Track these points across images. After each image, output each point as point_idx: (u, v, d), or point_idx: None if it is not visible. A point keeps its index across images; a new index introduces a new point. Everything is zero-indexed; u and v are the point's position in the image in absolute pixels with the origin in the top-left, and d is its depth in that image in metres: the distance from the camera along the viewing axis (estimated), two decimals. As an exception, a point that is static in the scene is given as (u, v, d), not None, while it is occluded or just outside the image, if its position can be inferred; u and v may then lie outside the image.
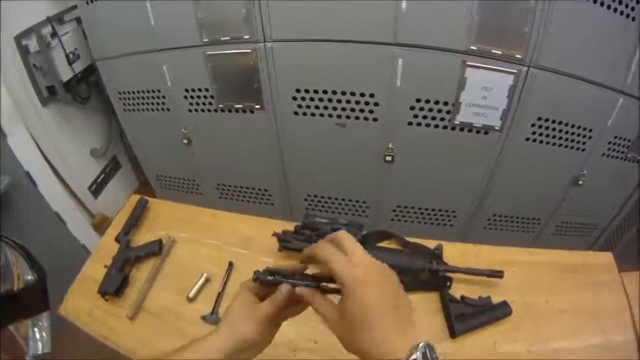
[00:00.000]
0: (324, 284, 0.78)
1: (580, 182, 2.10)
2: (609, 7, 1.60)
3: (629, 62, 1.76)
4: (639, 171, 2.16)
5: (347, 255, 0.68)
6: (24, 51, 2.26)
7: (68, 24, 2.44)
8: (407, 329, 0.64)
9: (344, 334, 0.67)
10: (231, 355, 0.75)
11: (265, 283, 0.80)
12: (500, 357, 1.12)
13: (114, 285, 1.31)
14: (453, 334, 1.15)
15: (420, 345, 0.58)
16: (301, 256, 0.78)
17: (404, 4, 1.61)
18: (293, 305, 0.80)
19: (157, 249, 1.41)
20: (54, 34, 2.32)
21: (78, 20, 2.41)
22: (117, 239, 1.46)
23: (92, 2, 2.08)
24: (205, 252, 1.43)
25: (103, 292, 1.31)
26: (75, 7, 2.36)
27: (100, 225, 2.76)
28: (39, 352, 0.84)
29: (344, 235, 0.72)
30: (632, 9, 1.62)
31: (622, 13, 1.62)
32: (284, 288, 0.77)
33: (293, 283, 0.77)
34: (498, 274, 1.23)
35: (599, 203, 2.33)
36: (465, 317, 1.16)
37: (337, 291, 0.73)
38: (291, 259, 1.36)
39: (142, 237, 1.50)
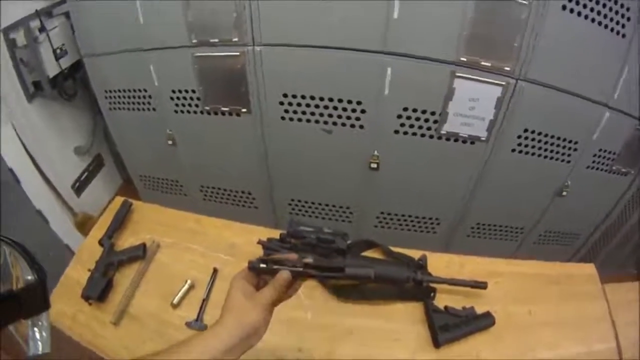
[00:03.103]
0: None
1: (564, 193, 2.12)
2: (599, 23, 1.62)
3: (617, 77, 1.78)
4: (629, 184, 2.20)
5: None
6: (11, 45, 2.22)
7: (56, 19, 2.40)
8: None
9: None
10: (238, 345, 0.78)
11: (261, 271, 0.87)
12: (484, 367, 1.13)
13: (98, 290, 1.30)
14: (437, 344, 1.15)
15: None
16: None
17: (395, 13, 1.61)
18: (288, 289, 0.88)
19: (141, 254, 1.40)
20: (42, 28, 2.28)
21: (67, 15, 2.37)
22: (100, 243, 1.45)
23: (81, -4, 2.06)
24: (189, 257, 1.42)
25: (87, 297, 1.29)
26: (64, 1, 2.32)
27: (83, 224, 2.72)
28: (39, 352, 0.83)
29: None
30: (623, 25, 1.65)
31: (612, 30, 1.65)
32: (285, 274, 0.86)
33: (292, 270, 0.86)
34: (481, 285, 1.23)
35: (582, 213, 2.36)
36: (449, 328, 1.17)
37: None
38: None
39: (126, 241, 1.49)
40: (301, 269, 0.86)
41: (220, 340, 0.76)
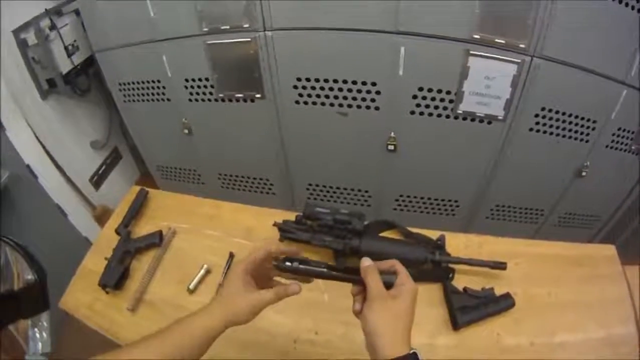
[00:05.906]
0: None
1: (584, 174, 2.09)
2: (614, -2, 1.58)
3: (633, 53, 1.73)
4: (640, 163, 2.14)
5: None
6: (23, 45, 2.24)
7: (67, 16, 2.41)
8: (408, 342, 0.75)
9: (376, 311, 0.77)
10: (218, 332, 0.80)
11: (285, 270, 0.86)
12: (503, 350, 1.12)
13: (114, 278, 1.32)
14: (455, 325, 1.15)
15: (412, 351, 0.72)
16: (379, 264, 0.85)
17: (406, -8, 1.59)
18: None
19: (157, 240, 1.41)
20: (53, 27, 2.29)
21: (77, 12, 2.38)
22: (117, 231, 1.46)
23: (90, -7, 2.06)
24: (205, 243, 1.43)
25: (103, 285, 1.31)
26: (73, -1, 2.34)
27: (102, 216, 2.75)
28: (39, 352, 0.84)
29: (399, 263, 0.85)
30: (638, 0, 1.60)
31: (627, 4, 1.60)
32: (296, 289, 0.85)
33: (312, 271, 0.86)
34: (501, 266, 1.22)
35: (602, 195, 2.32)
36: (468, 309, 1.16)
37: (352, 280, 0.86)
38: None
39: (143, 229, 1.50)
40: (325, 270, 0.85)
41: (202, 329, 0.79)
